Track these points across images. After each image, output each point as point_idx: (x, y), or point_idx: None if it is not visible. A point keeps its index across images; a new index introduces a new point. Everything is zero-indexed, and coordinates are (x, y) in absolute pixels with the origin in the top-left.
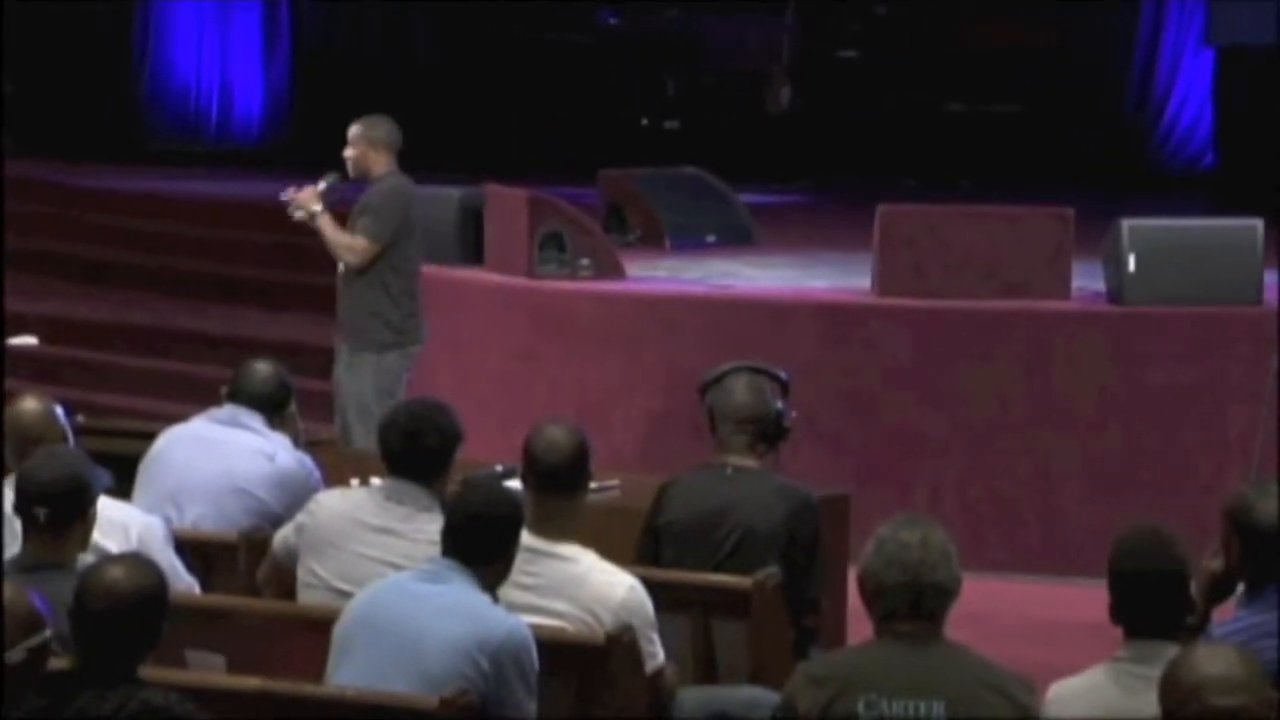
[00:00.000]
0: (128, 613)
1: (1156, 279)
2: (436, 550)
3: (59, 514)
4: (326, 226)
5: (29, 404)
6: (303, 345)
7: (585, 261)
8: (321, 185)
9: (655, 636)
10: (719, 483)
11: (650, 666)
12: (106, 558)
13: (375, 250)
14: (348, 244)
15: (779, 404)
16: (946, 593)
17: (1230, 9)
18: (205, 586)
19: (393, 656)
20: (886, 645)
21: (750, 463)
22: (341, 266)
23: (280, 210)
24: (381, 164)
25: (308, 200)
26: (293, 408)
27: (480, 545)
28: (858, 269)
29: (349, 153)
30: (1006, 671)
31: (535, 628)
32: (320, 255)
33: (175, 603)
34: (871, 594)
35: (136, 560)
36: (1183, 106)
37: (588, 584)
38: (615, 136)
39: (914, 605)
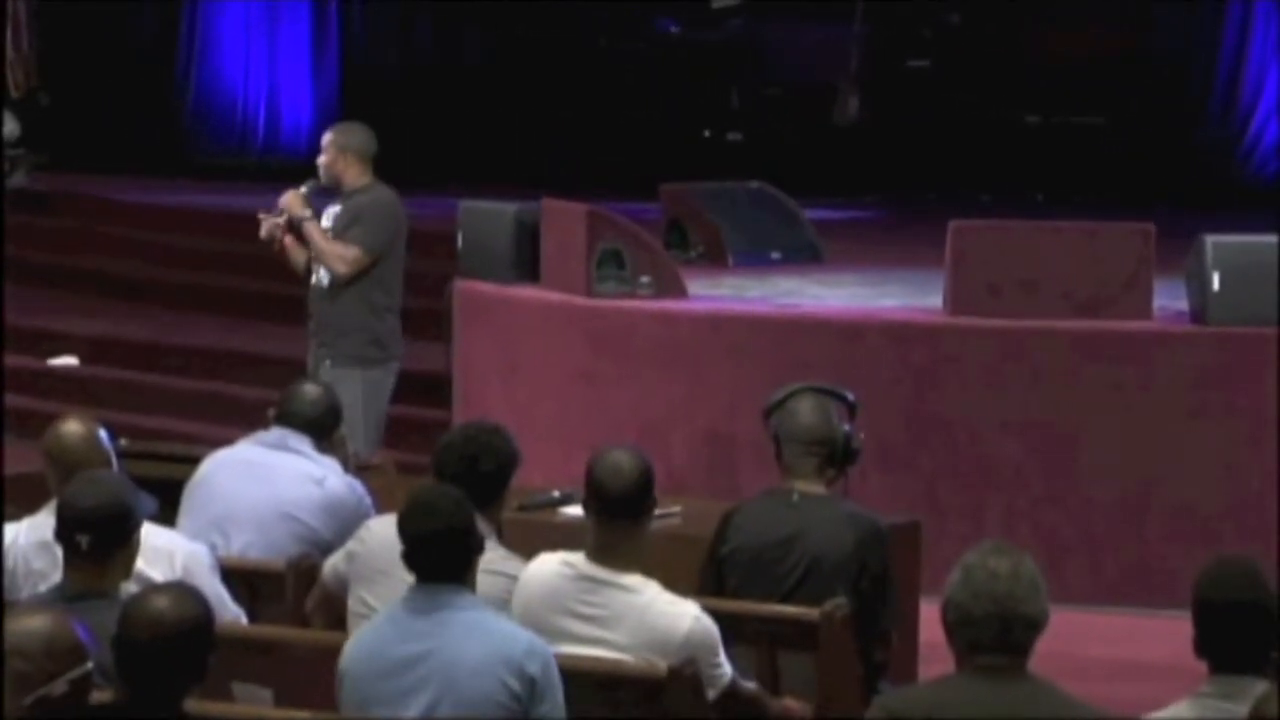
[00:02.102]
0: (173, 644)
1: (1242, 298)
2: (493, 579)
3: (102, 541)
4: (316, 233)
5: (71, 427)
6: None
7: (645, 279)
8: (304, 189)
9: (720, 660)
10: (785, 509)
11: (720, 685)
12: (151, 587)
13: (367, 262)
14: (340, 253)
15: (846, 427)
16: (1035, 626)
17: None
18: (252, 617)
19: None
20: (970, 679)
21: (817, 489)
22: (318, 279)
23: None
24: (354, 172)
25: (296, 205)
26: (343, 431)
27: (454, 560)
28: (929, 287)
29: (321, 159)
30: (1094, 709)
31: (593, 660)
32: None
33: (221, 633)
34: (955, 624)
35: (182, 590)
36: (1269, 119)
37: (651, 615)
38: (676, 149)
39: (1001, 638)
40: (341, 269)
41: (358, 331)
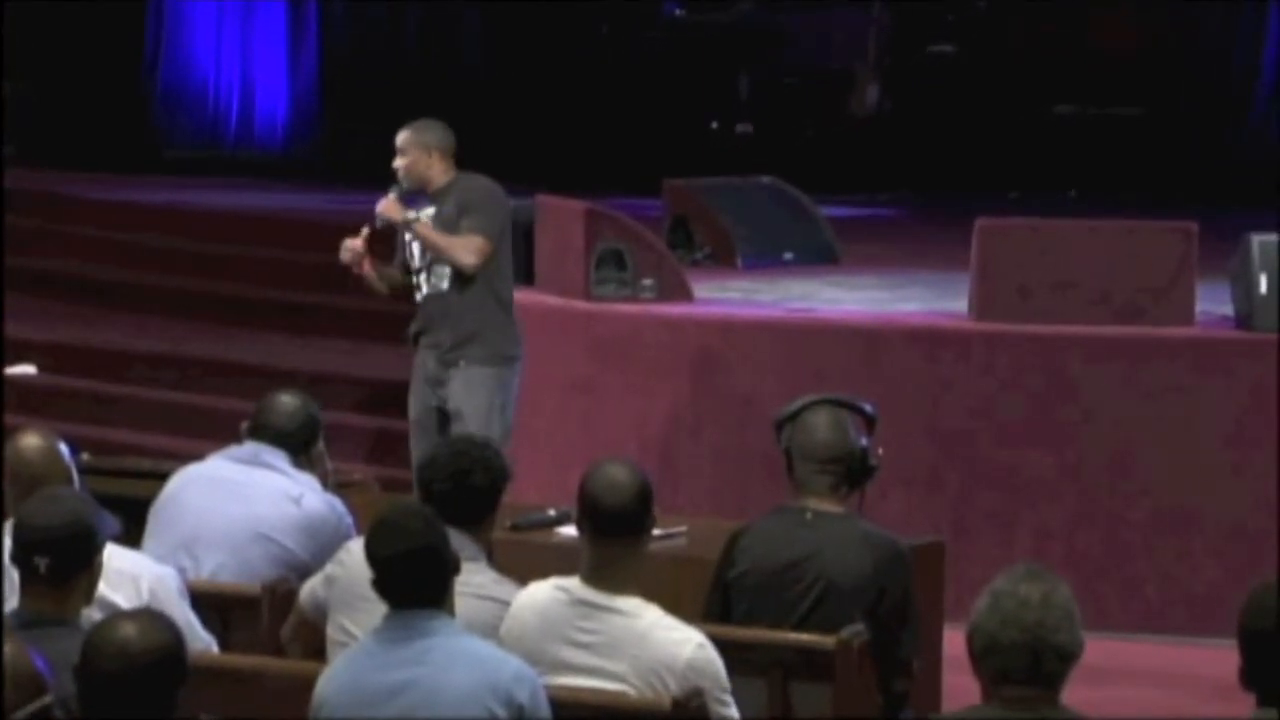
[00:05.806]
0: (142, 675)
1: None
2: (483, 605)
3: (61, 564)
4: (431, 232)
5: (30, 440)
6: (333, 375)
7: (648, 281)
8: (393, 195)
9: (728, 698)
10: (798, 529)
11: None
12: (118, 614)
13: (490, 249)
14: (463, 244)
15: (864, 441)
16: (1068, 656)
17: None
18: (224, 644)
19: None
20: (997, 711)
21: (832, 507)
22: (434, 285)
23: (307, 226)
24: (439, 169)
25: (395, 211)
26: (321, 445)
27: (428, 583)
28: (953, 290)
29: (399, 162)
30: None
31: (593, 692)
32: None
33: (191, 663)
34: (982, 653)
35: (152, 617)
36: None
37: (650, 642)
38: (682, 142)
39: (1031, 668)
40: (471, 260)
41: (491, 329)
